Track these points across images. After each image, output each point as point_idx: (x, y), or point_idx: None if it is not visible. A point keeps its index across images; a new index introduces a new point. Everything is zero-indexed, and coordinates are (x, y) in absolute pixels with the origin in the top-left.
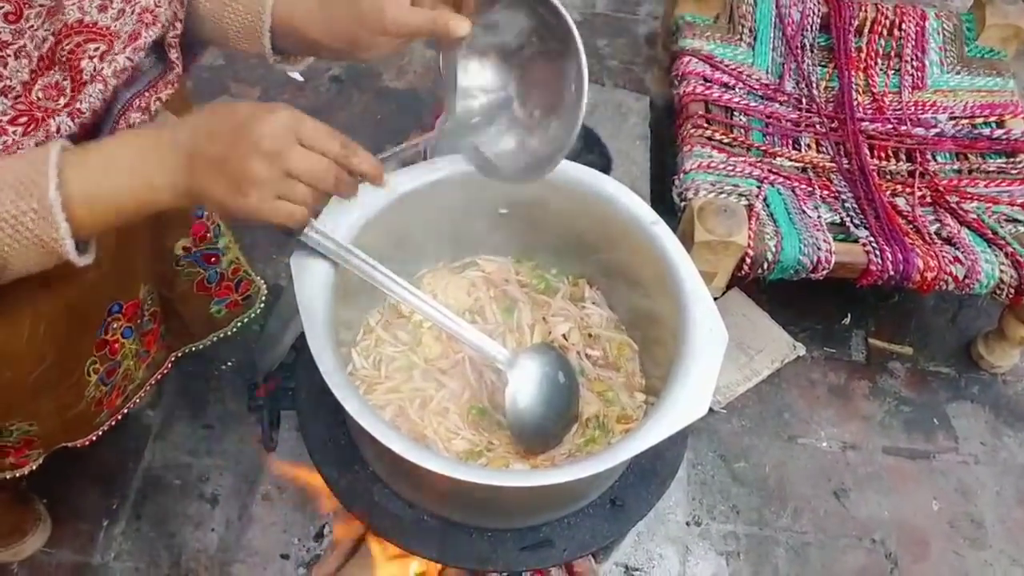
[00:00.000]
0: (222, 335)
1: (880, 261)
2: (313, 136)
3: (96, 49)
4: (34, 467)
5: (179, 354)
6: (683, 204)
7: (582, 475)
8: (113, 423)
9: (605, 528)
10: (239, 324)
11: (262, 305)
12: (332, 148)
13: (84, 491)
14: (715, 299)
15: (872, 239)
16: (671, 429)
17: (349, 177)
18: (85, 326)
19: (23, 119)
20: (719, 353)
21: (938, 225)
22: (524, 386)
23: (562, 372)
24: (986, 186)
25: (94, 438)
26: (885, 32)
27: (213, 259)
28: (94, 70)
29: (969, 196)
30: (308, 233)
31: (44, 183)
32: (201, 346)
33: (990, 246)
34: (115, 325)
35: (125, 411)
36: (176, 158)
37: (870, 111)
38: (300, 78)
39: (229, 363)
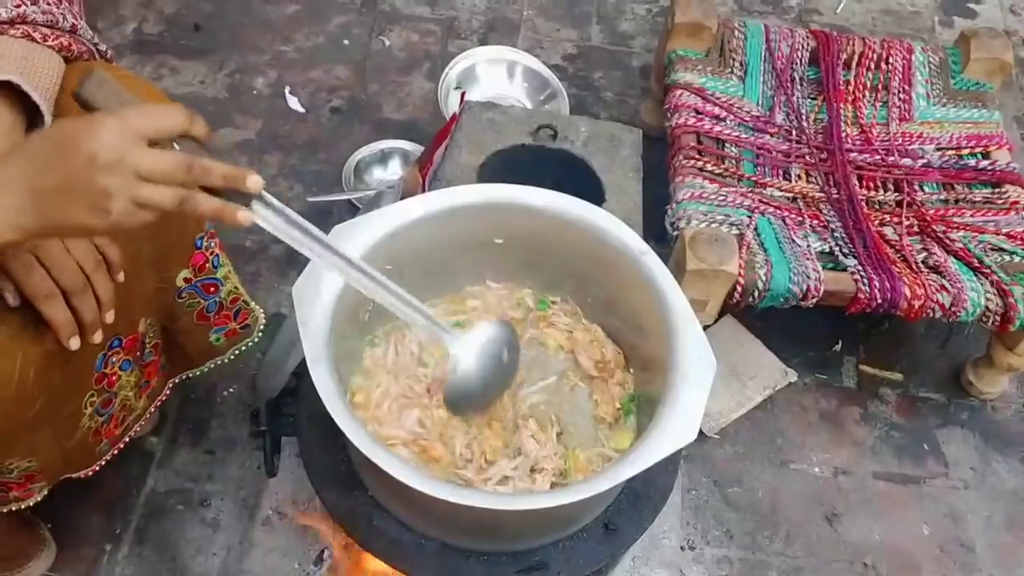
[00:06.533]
0: (219, 362)
1: (868, 289)
2: (153, 131)
3: None
4: (39, 498)
5: (176, 381)
6: (675, 233)
7: (574, 499)
8: (116, 452)
9: (599, 552)
10: (236, 352)
11: (260, 334)
12: (176, 158)
13: (88, 516)
14: (708, 326)
15: (860, 268)
16: (661, 454)
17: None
18: (82, 364)
19: None
20: (708, 379)
21: (925, 254)
22: (465, 358)
23: (506, 349)
24: (972, 216)
25: (96, 468)
26: (872, 65)
27: (212, 289)
28: None
29: (955, 226)
30: (256, 207)
31: None
32: (198, 372)
33: (976, 275)
34: (114, 359)
35: (127, 440)
36: (15, 199)
37: (858, 142)
38: (302, 109)
39: (231, 390)
